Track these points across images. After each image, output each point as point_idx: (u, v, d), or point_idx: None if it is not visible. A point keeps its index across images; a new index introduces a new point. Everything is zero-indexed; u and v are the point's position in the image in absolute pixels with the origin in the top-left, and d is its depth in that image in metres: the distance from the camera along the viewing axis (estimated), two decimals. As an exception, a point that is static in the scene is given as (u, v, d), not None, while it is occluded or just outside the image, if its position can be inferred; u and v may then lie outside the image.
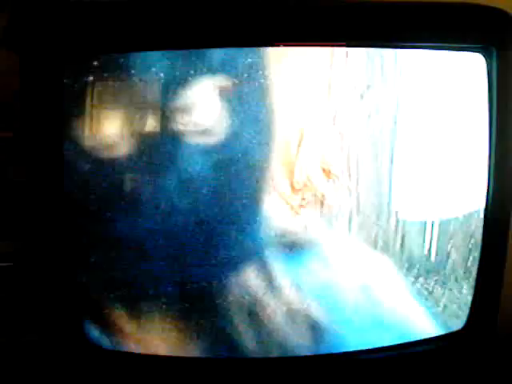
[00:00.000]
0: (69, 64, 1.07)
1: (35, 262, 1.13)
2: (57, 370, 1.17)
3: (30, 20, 1.09)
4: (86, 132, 1.11)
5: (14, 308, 1.25)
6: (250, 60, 1.09)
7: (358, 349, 1.21)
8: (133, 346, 1.18)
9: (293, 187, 1.17)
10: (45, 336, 1.18)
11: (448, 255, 1.23)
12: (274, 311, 1.18)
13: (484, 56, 1.16)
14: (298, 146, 1.15)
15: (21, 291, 1.25)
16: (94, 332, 1.16)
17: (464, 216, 1.23)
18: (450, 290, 1.25)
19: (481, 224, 1.21)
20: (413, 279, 1.22)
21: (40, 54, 1.05)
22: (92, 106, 1.11)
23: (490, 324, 1.25)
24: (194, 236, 1.15)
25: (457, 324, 1.25)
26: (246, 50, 1.09)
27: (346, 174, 1.17)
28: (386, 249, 1.20)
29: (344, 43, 1.12)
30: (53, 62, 1.05)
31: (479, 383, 1.30)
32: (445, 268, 1.23)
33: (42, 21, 1.06)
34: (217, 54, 1.08)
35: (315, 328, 1.18)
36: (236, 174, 1.13)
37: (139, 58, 1.09)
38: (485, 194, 1.20)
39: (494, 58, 1.15)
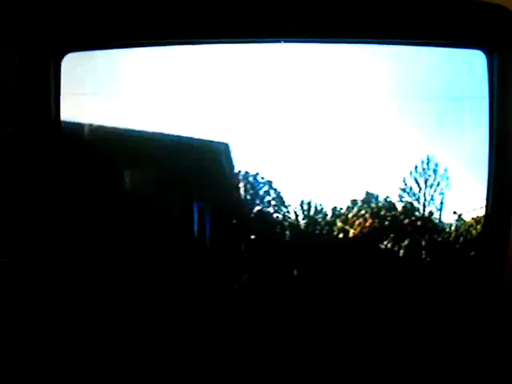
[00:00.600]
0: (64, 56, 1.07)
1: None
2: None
3: (26, 15, 1.09)
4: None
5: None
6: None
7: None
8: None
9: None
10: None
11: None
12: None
13: (485, 53, 1.15)
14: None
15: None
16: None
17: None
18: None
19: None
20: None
21: (37, 47, 1.05)
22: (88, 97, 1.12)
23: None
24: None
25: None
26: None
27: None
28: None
29: (343, 39, 1.12)
30: (49, 54, 1.06)
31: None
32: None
33: (38, 15, 1.06)
34: None
35: None
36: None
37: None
38: (486, 190, 1.19)
39: (496, 55, 1.14)
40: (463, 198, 1.24)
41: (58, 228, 1.12)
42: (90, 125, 1.14)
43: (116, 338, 1.18)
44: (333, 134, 1.20)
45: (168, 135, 1.17)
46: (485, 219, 1.19)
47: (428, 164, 1.23)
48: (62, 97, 1.09)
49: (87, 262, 1.16)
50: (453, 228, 1.26)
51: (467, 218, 1.24)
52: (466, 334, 1.23)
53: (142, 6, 1.07)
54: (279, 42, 1.12)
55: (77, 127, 1.13)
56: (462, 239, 1.24)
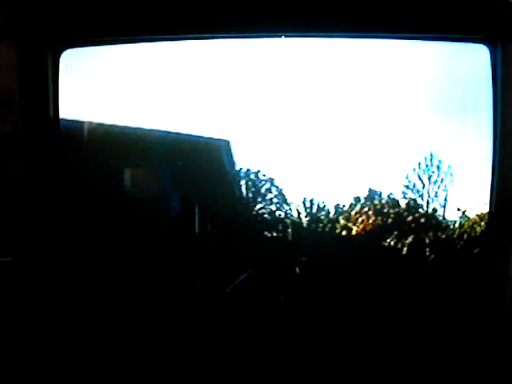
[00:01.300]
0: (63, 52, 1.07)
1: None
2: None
3: (25, 11, 1.08)
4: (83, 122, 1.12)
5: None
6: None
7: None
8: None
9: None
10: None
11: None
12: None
13: (488, 47, 1.14)
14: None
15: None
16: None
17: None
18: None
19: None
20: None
21: (35, 42, 1.05)
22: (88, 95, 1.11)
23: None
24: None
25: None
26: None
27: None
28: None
29: (343, 34, 1.11)
30: (47, 50, 1.05)
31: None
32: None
33: (37, 12, 1.06)
34: None
35: None
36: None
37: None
38: (489, 186, 1.18)
39: (499, 50, 1.13)
40: (467, 195, 1.23)
41: (59, 226, 1.11)
42: (90, 122, 1.14)
43: (119, 334, 1.18)
44: (335, 130, 1.19)
45: (169, 132, 1.16)
46: (489, 216, 1.19)
47: (431, 160, 1.22)
48: (60, 93, 1.09)
49: (88, 259, 1.15)
50: (456, 225, 1.25)
51: (471, 214, 1.23)
52: (470, 330, 1.22)
53: (142, 1, 1.06)
54: (280, 36, 1.11)
55: (76, 125, 1.12)
56: (465, 236, 1.23)
